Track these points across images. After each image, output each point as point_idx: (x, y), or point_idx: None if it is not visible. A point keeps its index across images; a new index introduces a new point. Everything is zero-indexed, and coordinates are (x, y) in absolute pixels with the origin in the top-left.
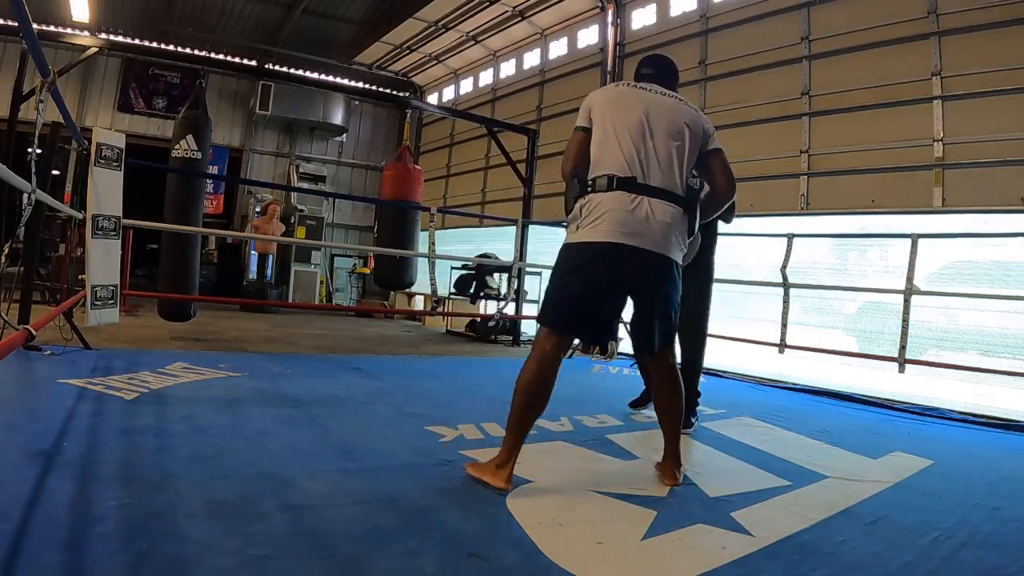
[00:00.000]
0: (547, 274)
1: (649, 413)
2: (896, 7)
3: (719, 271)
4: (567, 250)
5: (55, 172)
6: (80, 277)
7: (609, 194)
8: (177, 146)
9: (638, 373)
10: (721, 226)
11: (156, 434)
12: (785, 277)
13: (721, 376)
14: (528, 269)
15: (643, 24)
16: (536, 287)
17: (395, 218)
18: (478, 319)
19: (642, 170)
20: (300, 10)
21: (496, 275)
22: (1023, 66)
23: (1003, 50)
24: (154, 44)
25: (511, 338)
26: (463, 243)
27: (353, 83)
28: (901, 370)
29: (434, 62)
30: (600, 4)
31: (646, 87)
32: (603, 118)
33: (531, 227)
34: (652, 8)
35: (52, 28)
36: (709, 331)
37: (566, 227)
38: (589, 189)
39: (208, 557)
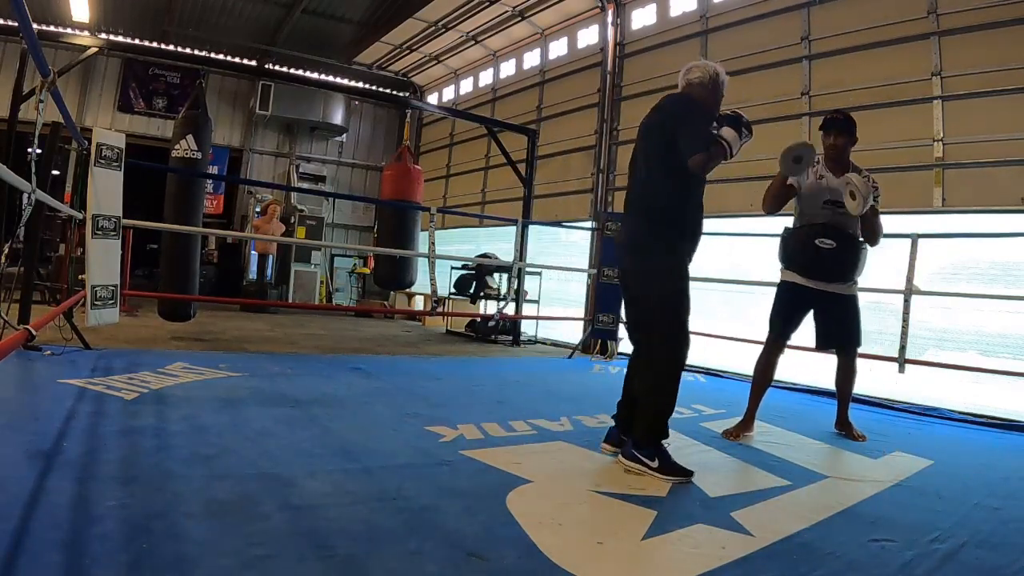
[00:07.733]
0: (547, 274)
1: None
2: (896, 7)
3: (718, 271)
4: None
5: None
6: (80, 277)
7: None
8: (177, 146)
9: None
10: (722, 226)
11: (156, 434)
12: None
13: (721, 376)
14: (528, 269)
15: (643, 24)
16: (536, 287)
17: (395, 218)
18: (478, 319)
19: None
20: (300, 10)
21: (496, 275)
22: (1023, 66)
23: (1003, 50)
24: (154, 44)
25: (511, 338)
26: (463, 243)
27: (353, 83)
28: (901, 370)
29: (434, 62)
30: (600, 4)
31: None
32: None
33: (531, 227)
34: (652, 8)
35: (52, 28)
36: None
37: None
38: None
39: (208, 557)
